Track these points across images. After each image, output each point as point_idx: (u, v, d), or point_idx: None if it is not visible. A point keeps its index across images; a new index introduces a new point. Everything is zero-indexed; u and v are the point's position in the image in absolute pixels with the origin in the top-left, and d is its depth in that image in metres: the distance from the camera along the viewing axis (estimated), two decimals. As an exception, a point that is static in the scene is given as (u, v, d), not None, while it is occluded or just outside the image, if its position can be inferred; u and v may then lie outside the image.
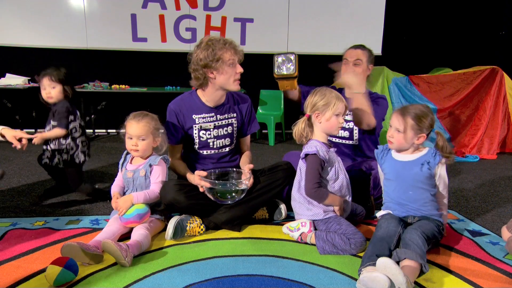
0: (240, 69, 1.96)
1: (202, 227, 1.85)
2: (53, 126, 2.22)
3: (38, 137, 2.15)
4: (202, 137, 2.01)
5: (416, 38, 4.91)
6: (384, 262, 1.37)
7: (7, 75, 4.22)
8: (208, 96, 1.99)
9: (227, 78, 1.93)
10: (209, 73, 1.91)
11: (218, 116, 2.02)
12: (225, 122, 2.04)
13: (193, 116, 1.99)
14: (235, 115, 2.07)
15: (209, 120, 2.00)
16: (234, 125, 2.07)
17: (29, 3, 4.36)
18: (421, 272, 1.45)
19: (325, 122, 1.78)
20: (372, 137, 2.29)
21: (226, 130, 2.05)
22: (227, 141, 2.06)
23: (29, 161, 3.25)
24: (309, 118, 1.82)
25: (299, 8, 4.76)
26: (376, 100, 2.25)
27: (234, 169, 1.99)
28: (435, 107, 3.70)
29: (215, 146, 2.04)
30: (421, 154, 1.73)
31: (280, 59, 2.04)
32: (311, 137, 1.82)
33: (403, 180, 1.72)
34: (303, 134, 1.80)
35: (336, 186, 1.81)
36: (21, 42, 4.41)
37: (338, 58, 4.78)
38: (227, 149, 2.08)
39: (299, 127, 1.82)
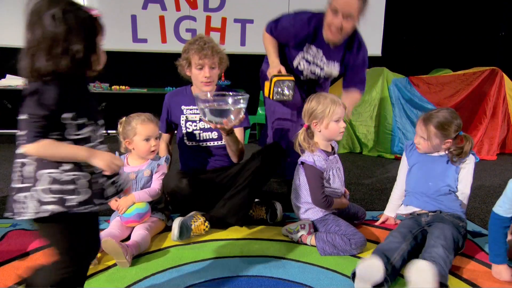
0: (205, 74, 1.97)
1: (206, 223, 1.84)
2: None
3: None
4: (189, 128, 2.07)
5: (416, 39, 4.91)
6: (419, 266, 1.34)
7: (7, 76, 4.21)
8: (195, 89, 2.09)
9: (194, 79, 2.04)
10: (186, 69, 2.04)
11: None
12: None
13: (181, 107, 2.10)
14: None
15: (195, 112, 2.06)
16: None
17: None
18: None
19: (324, 130, 1.78)
20: None
21: None
22: (214, 134, 2.07)
23: (29, 162, 3.25)
24: (308, 128, 1.81)
25: (299, 8, 4.76)
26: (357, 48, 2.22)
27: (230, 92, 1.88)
28: (435, 108, 3.70)
29: (201, 138, 2.07)
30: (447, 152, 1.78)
31: (284, 88, 2.03)
32: (314, 146, 1.79)
33: (426, 171, 1.79)
34: (305, 146, 1.78)
35: (335, 185, 1.83)
36: (21, 43, 4.40)
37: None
38: (215, 143, 2.08)
39: (299, 139, 1.79)
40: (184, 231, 1.77)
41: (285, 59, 2.25)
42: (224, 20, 4.71)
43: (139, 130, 1.84)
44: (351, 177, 2.96)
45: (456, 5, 4.87)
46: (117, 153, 1.92)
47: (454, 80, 3.77)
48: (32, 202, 0.98)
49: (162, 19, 4.57)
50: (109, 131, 4.79)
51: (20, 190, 1.00)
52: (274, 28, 2.23)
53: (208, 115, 1.72)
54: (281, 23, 2.21)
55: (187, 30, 4.66)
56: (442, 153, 1.80)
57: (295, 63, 2.24)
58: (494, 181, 2.92)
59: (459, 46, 4.91)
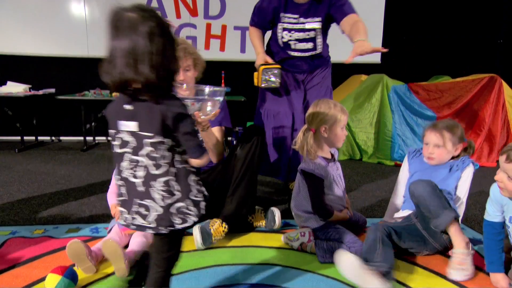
0: (179, 77, 1.89)
1: (224, 225, 1.83)
2: None
3: None
4: None
5: (415, 46, 4.94)
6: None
7: (8, 83, 4.24)
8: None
9: None
10: None
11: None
12: None
13: None
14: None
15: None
16: None
17: (31, 12, 4.39)
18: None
19: (331, 135, 1.77)
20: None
21: None
22: None
23: (29, 169, 3.26)
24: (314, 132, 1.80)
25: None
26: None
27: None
28: (435, 114, 3.71)
29: None
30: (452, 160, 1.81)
31: (271, 76, 2.11)
32: (318, 151, 1.79)
33: (427, 178, 1.76)
34: (311, 151, 1.76)
35: (336, 192, 1.83)
36: (22, 50, 4.44)
37: (338, 66, 4.82)
38: None
39: (309, 143, 1.76)
40: (206, 236, 1.76)
41: (277, 45, 2.32)
42: (224, 28, 4.74)
43: None
44: (351, 184, 2.96)
45: (455, 12, 4.90)
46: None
47: (453, 87, 3.79)
48: (194, 208, 1.13)
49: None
50: (109, 138, 4.81)
51: (177, 201, 1.11)
52: (254, 16, 2.32)
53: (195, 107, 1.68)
54: (257, 8, 2.32)
55: (188, 37, 4.68)
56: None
57: (279, 37, 2.27)
58: (494, 188, 2.92)
59: (458, 53, 4.95)
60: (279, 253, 1.76)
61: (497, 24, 4.95)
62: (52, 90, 4.42)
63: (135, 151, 1.09)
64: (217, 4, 4.69)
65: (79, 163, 3.52)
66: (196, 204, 1.13)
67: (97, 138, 4.66)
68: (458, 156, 1.81)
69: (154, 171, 1.09)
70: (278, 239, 1.88)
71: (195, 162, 1.12)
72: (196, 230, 1.76)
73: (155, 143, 1.07)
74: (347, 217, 1.88)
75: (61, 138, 4.75)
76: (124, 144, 1.10)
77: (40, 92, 4.26)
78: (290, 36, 2.24)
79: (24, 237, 1.87)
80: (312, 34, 2.23)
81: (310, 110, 1.82)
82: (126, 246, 1.72)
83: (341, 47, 4.81)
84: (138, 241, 1.67)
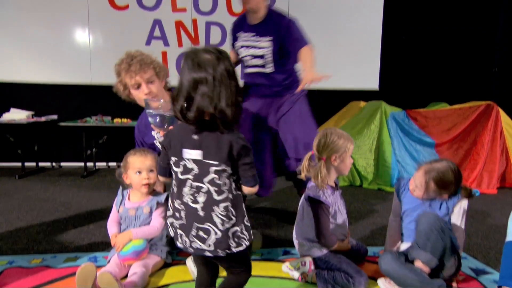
0: (144, 91, 1.85)
1: None
2: None
3: None
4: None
5: (412, 73, 5.02)
6: None
7: (12, 109, 4.29)
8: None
9: (137, 99, 1.94)
10: (125, 92, 1.97)
11: None
12: None
13: (151, 133, 2.10)
14: None
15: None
16: None
17: (35, 40, 4.49)
18: None
19: (341, 164, 1.78)
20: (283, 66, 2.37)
21: None
22: None
23: (29, 196, 3.25)
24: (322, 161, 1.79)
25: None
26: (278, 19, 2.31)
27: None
28: (434, 141, 3.74)
29: None
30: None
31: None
32: (328, 179, 1.79)
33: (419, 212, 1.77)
34: (325, 180, 1.75)
35: (339, 220, 1.82)
36: (26, 78, 4.52)
37: (336, 93, 4.87)
38: None
39: (322, 172, 1.73)
40: None
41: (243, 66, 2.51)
42: (225, 55, 4.83)
43: (131, 162, 1.85)
44: (352, 210, 2.94)
45: (451, 41, 5.01)
46: (120, 188, 1.93)
47: (451, 114, 3.83)
48: (246, 232, 1.23)
49: (164, 54, 4.70)
50: (109, 164, 4.82)
51: (234, 225, 1.20)
52: (231, 40, 2.51)
53: (157, 122, 1.69)
54: (229, 33, 2.54)
55: (189, 65, 4.77)
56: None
57: (239, 54, 2.44)
58: (495, 215, 2.90)
59: (454, 80, 5.02)
60: (279, 283, 1.73)
61: (491, 53, 5.06)
62: (55, 117, 4.47)
63: (198, 178, 1.18)
64: (217, 32, 4.80)
65: (79, 190, 3.52)
66: (247, 229, 1.24)
67: (97, 164, 4.67)
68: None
69: (216, 197, 1.18)
70: (278, 268, 1.86)
71: (248, 190, 1.23)
72: (189, 261, 1.74)
73: (219, 170, 1.17)
74: (349, 247, 1.86)
75: (62, 164, 4.75)
76: (187, 171, 1.19)
77: (43, 118, 4.31)
78: (246, 52, 2.39)
79: (22, 267, 1.85)
80: (262, 52, 2.35)
81: (319, 139, 1.80)
82: (126, 276, 1.70)
83: (340, 74, 4.93)
84: (138, 272, 1.66)
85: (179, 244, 1.25)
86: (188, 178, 1.19)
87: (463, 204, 1.78)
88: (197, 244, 1.19)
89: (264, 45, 2.33)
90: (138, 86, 1.88)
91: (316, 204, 1.75)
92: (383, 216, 2.82)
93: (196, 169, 1.18)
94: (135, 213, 1.84)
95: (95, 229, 2.43)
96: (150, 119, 1.74)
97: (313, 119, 2.52)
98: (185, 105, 1.13)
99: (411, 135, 3.78)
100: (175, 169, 1.22)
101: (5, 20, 4.41)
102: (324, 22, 4.88)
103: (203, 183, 1.18)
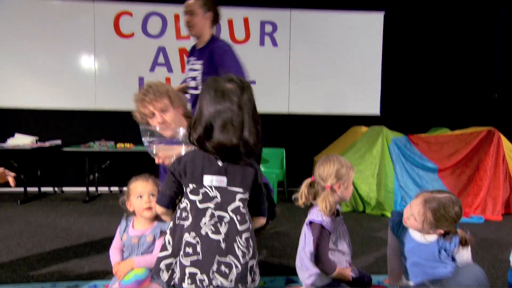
0: (157, 119, 1.82)
1: None
2: None
3: None
4: None
5: (413, 98, 5.07)
6: None
7: (16, 135, 4.33)
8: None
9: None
10: (143, 121, 1.93)
11: None
12: None
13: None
14: None
15: None
16: None
17: (41, 66, 4.58)
18: None
19: (344, 191, 1.78)
20: None
21: None
22: None
23: (30, 222, 3.23)
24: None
25: (299, 70, 4.99)
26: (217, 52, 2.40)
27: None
28: (436, 166, 3.73)
29: None
30: (437, 236, 1.67)
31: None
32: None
33: (420, 258, 1.69)
34: (332, 208, 1.73)
35: (341, 247, 1.80)
36: (32, 104, 4.58)
37: (338, 118, 4.91)
38: None
39: (330, 200, 1.71)
40: None
41: None
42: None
43: (132, 188, 1.84)
44: (355, 237, 2.91)
45: (452, 67, 5.08)
46: (124, 215, 1.93)
47: (452, 139, 3.84)
48: (258, 268, 1.18)
49: (168, 80, 4.78)
50: (111, 189, 4.81)
51: (251, 258, 1.15)
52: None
53: (154, 149, 1.69)
54: None
55: (192, 91, 4.84)
56: (431, 238, 1.69)
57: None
58: (502, 243, 2.86)
59: (455, 106, 5.06)
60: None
61: (491, 79, 5.12)
62: (58, 142, 4.51)
63: (221, 206, 1.11)
64: (221, 59, 4.90)
65: (80, 215, 3.50)
66: (257, 264, 1.17)
67: (99, 188, 4.67)
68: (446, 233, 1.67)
69: (239, 227, 1.11)
70: (281, 299, 1.82)
71: (260, 222, 1.20)
72: None
73: (243, 199, 1.13)
74: (349, 277, 1.82)
75: (64, 189, 4.75)
76: (208, 199, 1.12)
77: (47, 144, 4.34)
78: (187, 74, 2.60)
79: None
80: (194, 74, 2.53)
81: (322, 167, 1.79)
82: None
83: (342, 99, 4.98)
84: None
85: (187, 286, 1.10)
86: (209, 207, 1.11)
87: (466, 255, 1.65)
88: (219, 280, 1.07)
89: (197, 68, 2.50)
90: (153, 115, 1.89)
91: (318, 229, 1.73)
92: (386, 243, 2.78)
93: (219, 197, 1.11)
94: (138, 241, 1.82)
95: (96, 256, 2.41)
96: (150, 147, 1.74)
97: None
98: (204, 134, 1.10)
99: (413, 160, 3.79)
100: (192, 197, 1.13)
101: (11, 46, 4.52)
102: (325, 49, 4.98)
103: (226, 211, 1.11)
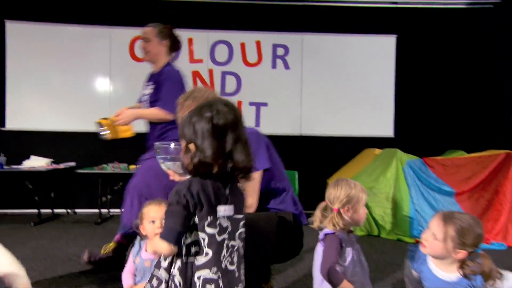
0: None
1: None
2: None
3: None
4: None
5: (427, 120, 5.02)
6: None
7: (32, 157, 4.40)
8: None
9: None
10: None
11: None
12: None
13: None
14: None
15: None
16: None
17: (58, 90, 4.70)
18: None
19: (354, 215, 1.75)
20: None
21: None
22: None
23: (43, 244, 3.24)
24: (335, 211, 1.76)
25: (311, 92, 5.01)
26: None
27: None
28: (453, 190, 3.65)
29: None
30: (460, 272, 1.52)
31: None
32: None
33: None
34: (345, 228, 1.71)
35: (358, 267, 1.75)
36: (47, 126, 4.67)
37: (351, 140, 4.87)
38: None
39: (338, 223, 1.68)
40: None
41: None
42: (239, 104, 4.95)
43: (145, 213, 1.85)
44: (370, 263, 2.80)
45: (466, 89, 5.03)
46: (138, 238, 1.92)
47: (469, 162, 3.77)
48: None
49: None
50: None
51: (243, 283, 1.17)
52: None
53: (169, 165, 1.60)
54: None
55: (205, 113, 4.89)
56: (455, 276, 1.53)
57: None
58: (525, 270, 2.75)
59: (470, 128, 4.97)
60: None
61: (507, 100, 5.03)
62: (73, 164, 4.56)
63: (232, 236, 1.10)
64: (233, 81, 4.97)
65: (92, 237, 3.49)
66: None
67: (111, 210, 4.67)
68: (464, 264, 1.51)
69: (242, 252, 1.12)
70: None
71: None
72: None
73: (244, 224, 1.13)
74: None
75: (77, 210, 4.77)
76: (223, 230, 1.08)
77: (61, 165, 4.39)
78: (142, 98, 2.71)
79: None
80: (145, 98, 2.66)
81: (330, 191, 1.77)
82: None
83: (354, 121, 4.96)
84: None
85: None
86: (225, 238, 1.08)
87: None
88: None
89: (147, 92, 2.63)
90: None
91: (328, 238, 1.69)
92: (403, 269, 2.70)
93: (230, 227, 1.09)
94: (150, 264, 1.81)
95: (108, 281, 2.38)
96: (166, 164, 1.70)
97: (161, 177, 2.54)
98: (218, 156, 1.07)
99: (429, 183, 3.71)
100: (210, 231, 1.06)
101: (28, 69, 4.66)
102: (337, 71, 5.01)
103: (235, 240, 1.10)
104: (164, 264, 1.11)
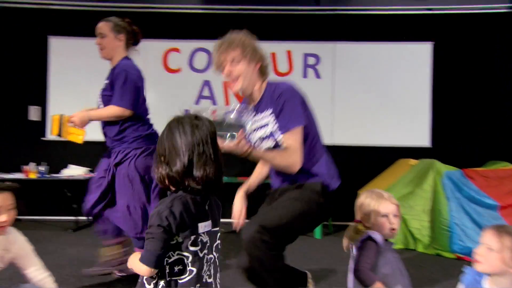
0: (225, 71, 1.77)
1: None
2: None
3: None
4: None
5: (467, 130, 4.81)
6: None
7: (70, 166, 4.56)
8: None
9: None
10: None
11: None
12: None
13: None
14: None
15: None
16: None
17: (95, 100, 4.85)
18: None
19: (373, 225, 1.72)
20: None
21: None
22: None
23: (80, 251, 3.33)
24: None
25: (343, 101, 4.94)
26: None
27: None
28: (496, 203, 3.46)
29: None
30: None
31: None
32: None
33: None
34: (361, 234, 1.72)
35: (399, 275, 1.72)
36: (86, 137, 4.80)
37: (385, 150, 4.75)
38: None
39: (358, 230, 1.73)
40: None
41: None
42: (270, 113, 4.95)
43: None
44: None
45: (507, 95, 4.80)
46: None
47: (513, 174, 3.58)
48: None
49: (213, 113, 4.89)
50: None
51: None
52: None
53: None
54: None
55: (236, 123, 4.92)
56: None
57: None
58: None
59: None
60: None
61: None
62: (109, 172, 4.68)
63: (210, 249, 1.12)
64: (264, 92, 4.97)
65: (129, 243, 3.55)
66: None
67: (145, 218, 4.76)
68: None
69: (218, 263, 1.15)
70: None
71: None
72: None
73: (220, 235, 1.15)
74: None
75: (111, 218, 4.89)
76: (204, 245, 1.11)
77: (98, 174, 4.52)
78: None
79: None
80: (100, 98, 2.64)
81: (356, 202, 1.80)
82: None
83: (388, 130, 4.83)
84: None
85: None
86: (205, 254, 1.10)
87: None
88: None
89: (104, 87, 2.57)
90: (223, 68, 1.75)
91: (365, 242, 1.67)
92: (445, 286, 2.58)
93: (208, 241, 1.12)
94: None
95: (143, 290, 2.41)
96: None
97: (139, 186, 2.52)
98: (186, 169, 1.06)
99: (470, 196, 3.53)
100: (193, 249, 1.07)
101: (67, 81, 4.85)
102: (371, 80, 4.92)
103: (213, 252, 1.13)
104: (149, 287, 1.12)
